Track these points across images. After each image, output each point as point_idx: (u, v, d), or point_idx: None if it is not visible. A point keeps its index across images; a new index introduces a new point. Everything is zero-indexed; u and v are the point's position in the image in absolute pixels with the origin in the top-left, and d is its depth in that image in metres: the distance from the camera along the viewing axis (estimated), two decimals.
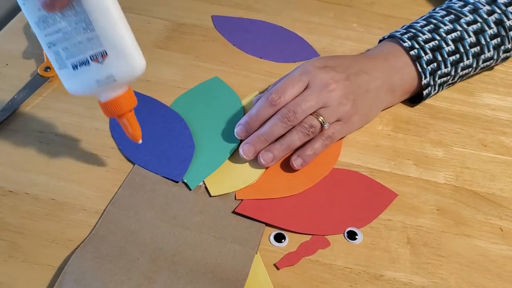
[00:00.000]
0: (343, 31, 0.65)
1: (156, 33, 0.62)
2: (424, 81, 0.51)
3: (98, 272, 0.38)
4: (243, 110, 0.52)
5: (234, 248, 0.41)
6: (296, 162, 0.46)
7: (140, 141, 0.42)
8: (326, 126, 0.46)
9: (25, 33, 0.61)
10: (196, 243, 0.41)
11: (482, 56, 0.53)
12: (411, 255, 0.42)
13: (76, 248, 0.40)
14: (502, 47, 0.54)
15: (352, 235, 0.43)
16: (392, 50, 0.52)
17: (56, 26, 0.36)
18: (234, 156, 0.48)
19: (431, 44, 0.51)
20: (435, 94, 0.55)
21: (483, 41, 0.53)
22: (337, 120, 0.47)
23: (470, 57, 0.53)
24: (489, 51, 0.53)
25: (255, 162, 0.47)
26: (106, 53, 0.36)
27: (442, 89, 0.55)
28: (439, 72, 0.52)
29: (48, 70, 0.54)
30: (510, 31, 0.53)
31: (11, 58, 0.57)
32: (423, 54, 0.51)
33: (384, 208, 0.45)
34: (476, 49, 0.53)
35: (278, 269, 0.40)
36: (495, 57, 0.54)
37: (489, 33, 0.53)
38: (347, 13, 0.68)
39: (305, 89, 0.47)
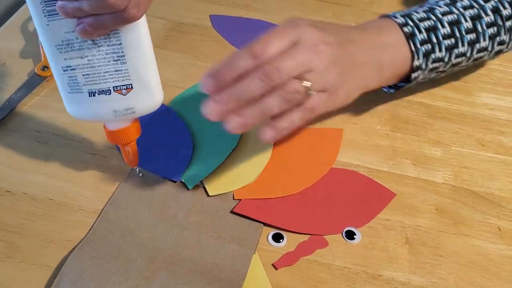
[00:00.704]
0: None
1: (154, 32, 0.61)
2: (416, 63, 0.46)
3: (96, 272, 0.38)
4: None
5: (232, 248, 0.41)
6: (266, 133, 0.39)
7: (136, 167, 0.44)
8: (314, 91, 0.39)
9: (23, 32, 0.60)
10: (194, 243, 0.41)
11: (477, 45, 0.49)
12: (410, 254, 0.42)
13: (74, 248, 0.40)
14: (497, 38, 0.50)
15: (350, 235, 0.43)
16: (385, 24, 0.47)
17: (82, 52, 0.35)
18: (232, 155, 0.48)
19: (426, 23, 0.47)
20: (421, 80, 0.50)
21: (479, 28, 0.48)
22: (322, 91, 0.40)
23: (466, 44, 0.48)
24: (484, 40, 0.49)
25: (254, 162, 0.47)
26: (131, 87, 0.36)
27: (431, 76, 0.50)
28: (432, 56, 0.47)
29: (46, 69, 0.54)
30: (506, 21, 0.49)
31: (8, 57, 0.57)
32: (417, 32, 0.46)
33: (382, 208, 0.45)
34: (472, 36, 0.48)
35: (276, 269, 0.40)
36: (490, 48, 0.50)
37: (486, 21, 0.49)
38: (346, 12, 0.68)
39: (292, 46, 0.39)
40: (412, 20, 0.47)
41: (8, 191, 0.44)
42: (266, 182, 0.46)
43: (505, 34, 0.50)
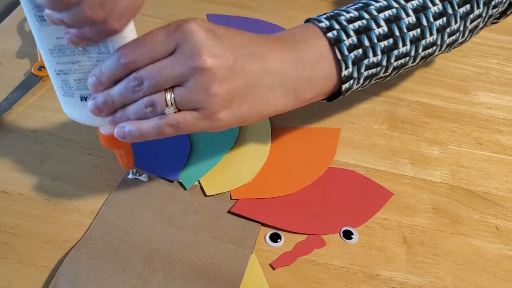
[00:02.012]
0: None
1: None
2: (344, 72, 0.40)
3: (93, 273, 0.38)
4: None
5: (229, 248, 0.41)
6: (117, 131, 0.36)
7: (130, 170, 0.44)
8: (169, 111, 0.35)
9: (19, 32, 0.60)
10: (191, 243, 0.41)
11: (423, 42, 0.42)
12: (407, 254, 0.42)
13: (71, 249, 0.40)
14: (448, 29, 0.43)
15: (348, 235, 0.43)
16: (306, 35, 0.40)
17: (74, 58, 0.35)
18: (229, 155, 0.48)
19: (357, 24, 0.40)
20: (356, 89, 0.43)
21: (424, 22, 0.41)
22: (193, 109, 0.35)
23: (408, 42, 0.41)
24: (431, 34, 0.42)
25: (251, 161, 0.47)
26: None
27: (370, 83, 0.43)
28: (365, 62, 0.40)
29: (42, 69, 0.54)
30: (459, 7, 0.43)
31: (4, 58, 0.56)
32: (344, 37, 0.39)
33: (380, 207, 0.45)
34: (416, 32, 0.41)
35: (273, 269, 0.40)
36: (439, 42, 0.43)
37: (433, 11, 0.42)
38: None
39: (172, 53, 0.34)
40: (339, 23, 0.40)
41: (4, 192, 0.44)
42: (264, 182, 0.46)
43: (456, 22, 0.43)
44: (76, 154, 0.47)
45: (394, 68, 0.43)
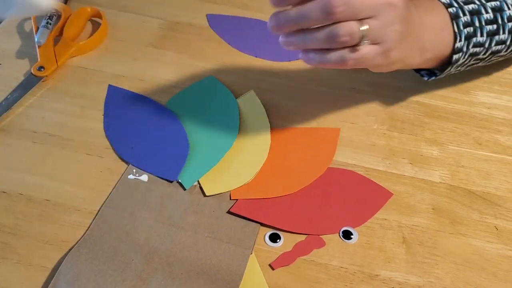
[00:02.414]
0: None
1: (150, 32, 0.61)
2: (457, 44, 0.46)
3: (92, 274, 0.38)
4: (238, 110, 0.52)
5: (229, 249, 0.41)
6: (308, 55, 0.40)
7: None
8: (364, 43, 0.38)
9: (19, 32, 0.60)
10: (191, 243, 0.41)
11: None
12: (407, 254, 0.42)
13: (70, 249, 0.40)
14: None
15: (347, 235, 0.43)
16: (432, 3, 0.47)
17: None
18: (229, 155, 0.48)
19: (470, 6, 0.47)
20: (461, 66, 0.50)
21: None
22: (375, 43, 0.39)
23: (507, 31, 0.48)
24: None
25: (250, 161, 0.47)
26: None
27: (469, 63, 0.50)
28: (474, 40, 0.47)
29: (42, 69, 0.54)
30: None
31: (4, 58, 0.56)
32: (461, 14, 0.46)
33: (379, 207, 0.45)
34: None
35: (273, 269, 0.40)
36: None
37: None
38: None
39: None
40: (457, 2, 0.47)
41: (4, 192, 0.44)
42: (263, 182, 0.46)
43: None
44: (76, 154, 0.47)
45: (491, 53, 0.49)
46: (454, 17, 0.46)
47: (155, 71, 0.57)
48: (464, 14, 0.46)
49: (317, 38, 0.38)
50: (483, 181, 0.48)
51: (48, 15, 0.59)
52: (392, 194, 0.46)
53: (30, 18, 0.60)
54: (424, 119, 0.54)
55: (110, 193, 0.44)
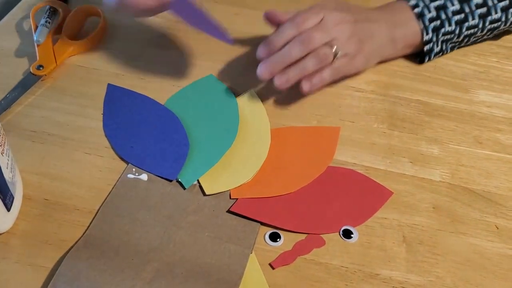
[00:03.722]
0: None
1: (150, 31, 0.61)
2: (426, 37, 0.55)
3: (92, 273, 0.38)
4: (238, 109, 0.52)
5: (229, 248, 0.41)
6: (305, 85, 0.50)
7: None
8: (339, 54, 0.50)
9: (18, 31, 0.60)
10: (190, 243, 0.41)
11: (489, 18, 0.55)
12: (407, 253, 0.42)
13: (70, 249, 0.39)
14: (511, 10, 0.56)
15: (347, 234, 0.43)
16: (398, 6, 0.56)
17: None
18: (229, 154, 0.48)
19: (437, 3, 0.54)
20: (440, 53, 0.58)
21: (490, 3, 0.55)
22: (344, 56, 0.51)
23: (476, 17, 0.55)
24: (496, 12, 0.55)
25: (250, 160, 0.47)
26: None
27: (447, 48, 0.58)
28: (442, 30, 0.55)
29: (41, 68, 0.53)
30: None
31: (3, 56, 0.56)
32: (426, 12, 0.54)
33: (379, 206, 0.45)
34: (483, 10, 0.55)
35: (273, 268, 0.40)
36: (503, 19, 0.56)
37: None
38: None
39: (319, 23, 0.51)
40: (423, 1, 0.55)
41: None
42: (263, 181, 0.46)
43: None
44: (75, 153, 0.47)
45: (465, 36, 0.57)
46: (420, 16, 0.54)
47: (155, 69, 0.56)
48: (430, 11, 0.54)
49: (310, 65, 0.49)
50: (483, 180, 0.48)
51: (48, 13, 0.59)
52: (392, 192, 0.46)
53: (29, 17, 0.59)
54: (424, 118, 0.54)
55: (109, 192, 0.44)
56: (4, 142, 0.40)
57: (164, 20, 0.63)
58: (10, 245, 0.40)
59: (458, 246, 0.43)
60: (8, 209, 0.40)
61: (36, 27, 0.57)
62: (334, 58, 0.50)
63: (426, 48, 0.56)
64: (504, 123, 0.54)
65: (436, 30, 0.55)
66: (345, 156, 0.49)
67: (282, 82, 0.49)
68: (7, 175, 0.39)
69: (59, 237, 0.41)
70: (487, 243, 0.43)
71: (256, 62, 0.58)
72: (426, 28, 0.54)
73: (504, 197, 0.47)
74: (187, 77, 0.56)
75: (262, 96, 0.53)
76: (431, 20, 0.54)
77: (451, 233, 0.44)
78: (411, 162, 0.49)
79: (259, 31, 0.63)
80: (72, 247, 0.40)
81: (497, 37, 0.62)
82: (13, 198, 0.40)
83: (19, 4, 0.64)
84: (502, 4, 0.55)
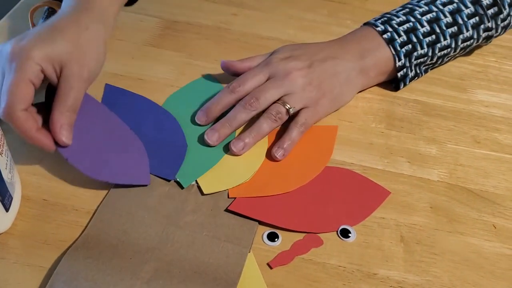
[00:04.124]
0: (337, 28, 0.64)
1: (148, 31, 0.61)
2: (398, 63, 0.52)
3: (90, 273, 0.38)
4: None
5: (227, 247, 0.41)
6: (277, 153, 0.47)
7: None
8: (292, 110, 0.47)
9: (16, 31, 0.60)
10: (189, 242, 0.41)
11: (461, 36, 0.54)
12: (405, 253, 0.42)
13: (68, 249, 0.39)
14: (482, 26, 0.54)
15: (345, 233, 0.43)
16: (365, 33, 0.53)
17: None
18: (227, 154, 0.48)
19: (405, 26, 0.52)
20: (415, 77, 0.55)
21: (460, 21, 0.53)
22: (305, 107, 0.48)
23: (448, 37, 0.53)
24: (467, 30, 0.54)
25: (248, 160, 0.47)
26: None
27: (421, 71, 0.55)
28: (415, 54, 0.52)
29: None
30: (487, 9, 0.54)
31: None
32: (396, 37, 0.52)
33: (377, 206, 0.45)
34: (454, 29, 0.53)
35: (271, 268, 0.40)
36: (475, 36, 0.55)
37: (467, 13, 0.53)
38: (341, 10, 0.68)
39: (268, 80, 0.49)
40: (391, 26, 0.52)
41: None
42: (261, 180, 0.46)
43: (489, 21, 0.54)
44: None
45: (439, 57, 0.54)
46: (389, 41, 0.52)
47: (153, 70, 0.56)
48: (400, 36, 0.52)
49: (266, 127, 0.47)
50: (481, 179, 0.48)
51: (46, 14, 0.59)
52: (390, 192, 0.46)
53: (27, 17, 0.59)
54: (422, 118, 0.54)
55: (107, 192, 0.44)
56: (3, 143, 0.40)
57: (161, 20, 0.63)
58: (8, 245, 0.40)
59: (456, 245, 0.43)
60: (7, 210, 0.40)
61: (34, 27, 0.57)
62: (288, 114, 0.47)
63: (400, 74, 0.53)
64: (502, 123, 0.54)
65: (408, 54, 0.52)
66: (343, 156, 0.49)
67: (238, 148, 0.46)
68: (6, 175, 0.39)
69: (57, 238, 0.41)
70: (485, 243, 0.43)
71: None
72: (397, 53, 0.52)
73: (502, 197, 0.47)
74: (185, 77, 0.56)
75: None
76: (402, 44, 0.52)
77: (449, 232, 0.44)
78: (409, 162, 0.49)
79: (257, 31, 0.63)
80: (70, 246, 0.40)
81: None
82: (11, 198, 0.40)
83: (18, 5, 0.64)
84: (472, 21, 0.53)
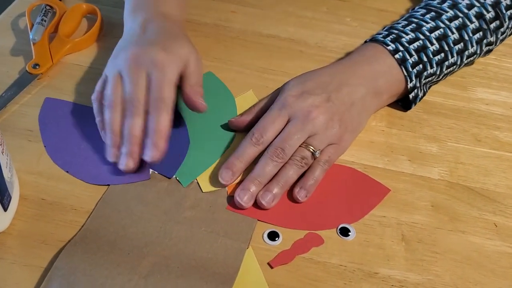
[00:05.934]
0: (337, 26, 0.64)
1: None
2: (410, 85, 0.50)
3: (88, 268, 0.38)
4: (236, 108, 0.52)
5: (225, 243, 0.40)
6: (300, 194, 0.44)
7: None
8: (317, 154, 0.45)
9: (13, 29, 0.60)
10: (187, 237, 0.41)
11: (466, 52, 0.53)
12: (406, 252, 0.42)
13: (67, 244, 0.39)
14: (485, 41, 0.53)
15: (345, 232, 0.42)
16: (375, 53, 0.51)
17: None
18: (227, 153, 0.47)
19: (416, 44, 0.50)
20: (423, 97, 0.53)
21: (466, 37, 0.52)
22: (329, 144, 0.46)
23: (455, 54, 0.52)
24: (472, 46, 0.53)
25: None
26: None
27: (426, 89, 0.54)
28: (425, 73, 0.51)
29: (37, 67, 0.53)
30: (490, 23, 0.53)
31: None
32: (408, 57, 0.50)
33: (377, 203, 0.45)
34: (460, 45, 0.52)
35: (272, 267, 0.40)
36: (478, 51, 0.54)
37: (471, 28, 0.52)
38: (340, 7, 0.67)
39: (288, 122, 0.45)
40: (402, 45, 0.50)
41: None
42: None
43: (491, 36, 0.54)
44: None
45: (445, 74, 0.54)
46: (402, 62, 0.50)
47: None
48: (411, 55, 0.50)
49: (293, 175, 0.44)
50: (482, 177, 0.48)
51: (43, 11, 0.59)
52: (390, 190, 0.46)
53: (24, 15, 0.59)
54: (423, 116, 0.53)
55: (106, 189, 0.44)
56: (3, 141, 0.39)
57: None
58: (6, 245, 0.40)
59: (457, 244, 0.43)
60: (5, 209, 0.39)
61: (32, 26, 0.57)
62: (314, 158, 0.45)
63: (411, 95, 0.51)
64: (502, 121, 0.54)
65: (419, 75, 0.50)
66: (344, 155, 0.48)
67: (268, 202, 0.43)
68: (6, 174, 0.39)
69: (56, 237, 0.40)
70: (486, 241, 0.43)
71: (255, 61, 0.58)
72: (409, 74, 0.50)
73: (503, 195, 0.47)
74: None
75: (261, 96, 0.53)
76: (414, 65, 0.50)
77: (449, 231, 0.43)
78: (409, 160, 0.49)
79: (256, 28, 0.62)
80: (68, 241, 0.39)
81: None
82: (10, 198, 0.40)
83: (15, 2, 0.64)
84: (476, 36, 0.52)
